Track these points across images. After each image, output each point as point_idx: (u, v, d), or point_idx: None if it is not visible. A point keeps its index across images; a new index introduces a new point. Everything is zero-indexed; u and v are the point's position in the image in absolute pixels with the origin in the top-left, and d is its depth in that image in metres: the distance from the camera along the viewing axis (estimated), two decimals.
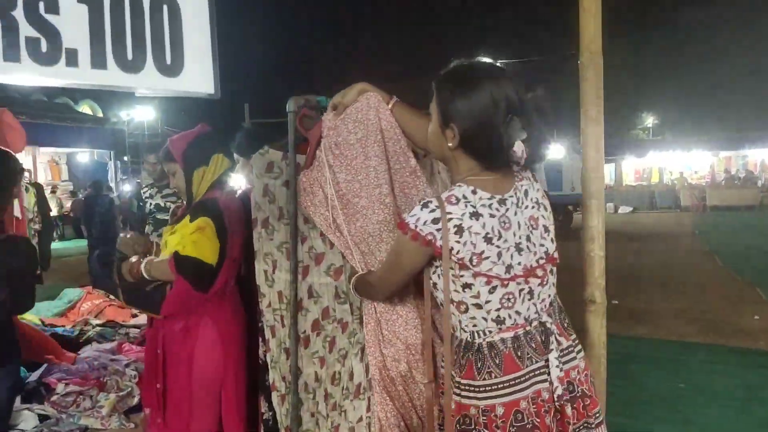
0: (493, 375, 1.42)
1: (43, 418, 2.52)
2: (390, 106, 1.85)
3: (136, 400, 2.68)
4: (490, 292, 1.41)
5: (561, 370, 1.44)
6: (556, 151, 27.76)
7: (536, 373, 1.43)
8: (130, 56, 2.10)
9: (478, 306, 1.42)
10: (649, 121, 43.21)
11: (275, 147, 2.13)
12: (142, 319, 2.86)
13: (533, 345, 1.44)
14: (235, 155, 2.59)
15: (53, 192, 16.93)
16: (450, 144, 1.46)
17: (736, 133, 30.05)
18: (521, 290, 1.44)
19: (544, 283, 1.48)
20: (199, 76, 2.26)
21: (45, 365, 2.82)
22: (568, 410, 1.44)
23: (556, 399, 1.43)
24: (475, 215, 1.39)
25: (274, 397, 2.07)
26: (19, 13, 1.81)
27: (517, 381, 1.42)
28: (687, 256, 10.29)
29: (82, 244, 9.91)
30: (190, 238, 2.14)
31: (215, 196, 2.26)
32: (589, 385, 1.51)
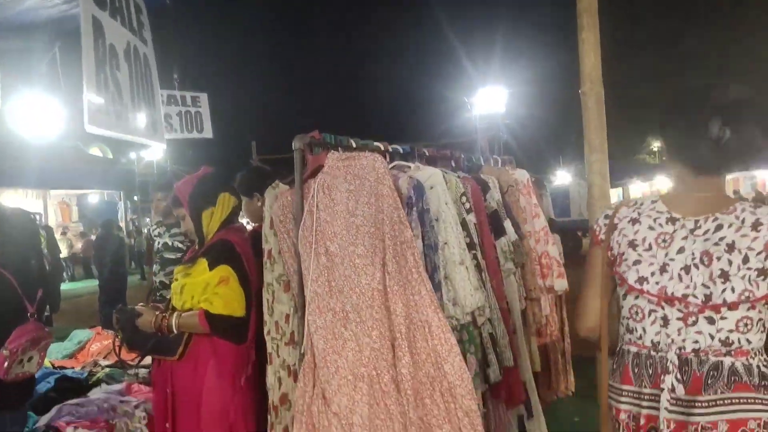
0: (615, 379, 1.51)
1: None
2: None
3: None
4: (623, 297, 1.50)
5: (671, 413, 1.38)
6: (562, 177, 27.79)
7: (643, 397, 1.44)
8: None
9: (619, 310, 1.52)
10: (655, 145, 43.22)
11: (285, 182, 2.18)
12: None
13: (650, 371, 1.43)
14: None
15: (64, 234, 17.05)
16: (665, 158, 1.62)
17: None
18: (651, 311, 1.44)
19: (689, 323, 1.39)
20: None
21: (54, 408, 2.80)
22: None
23: None
24: (634, 221, 1.47)
25: (269, 419, 2.12)
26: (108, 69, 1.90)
27: (625, 393, 1.47)
28: None
29: (92, 284, 9.94)
30: (216, 292, 2.15)
31: (228, 238, 2.27)
32: None
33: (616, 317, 1.55)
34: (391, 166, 2.26)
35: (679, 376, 1.40)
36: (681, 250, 1.40)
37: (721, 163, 1.43)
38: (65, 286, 14.14)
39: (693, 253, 1.39)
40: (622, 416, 1.47)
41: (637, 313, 1.46)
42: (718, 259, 1.37)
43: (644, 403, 1.44)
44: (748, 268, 1.36)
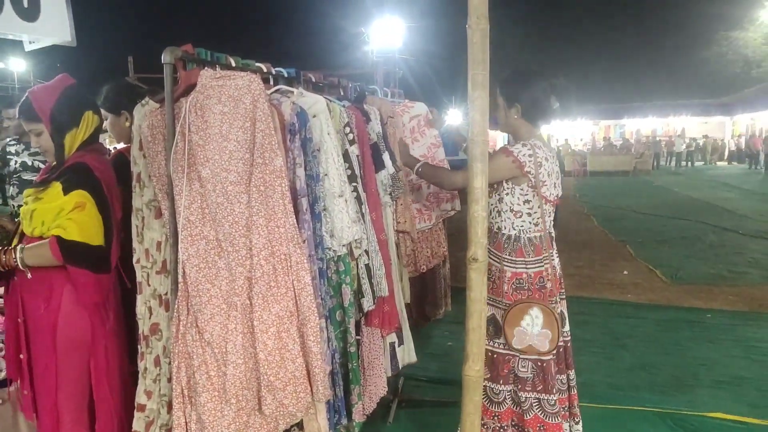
0: (531, 255, 2.41)
1: None
2: (418, 167, 2.80)
3: (2, 374, 2.46)
4: (539, 206, 2.38)
5: (556, 258, 2.51)
6: (454, 116, 28.41)
7: (547, 257, 2.41)
8: None
9: (529, 214, 2.40)
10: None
11: (156, 100, 2.02)
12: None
13: (545, 242, 2.42)
14: (103, 112, 2.41)
15: None
16: (516, 116, 2.44)
17: (616, 104, 32.33)
18: (548, 210, 2.41)
19: (553, 211, 2.46)
20: (56, 22, 2.09)
21: None
22: (558, 282, 2.49)
23: (557, 274, 2.47)
24: (546, 159, 2.38)
25: (140, 349, 2.08)
26: None
27: (541, 260, 2.42)
28: (568, 218, 11.00)
29: None
30: (71, 218, 1.97)
31: (84, 161, 2.09)
32: (561, 272, 2.53)
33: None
34: (273, 90, 2.16)
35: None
36: (552, 172, 2.41)
37: (550, 120, 2.51)
38: None
39: (554, 173, 2.42)
40: (545, 273, 2.41)
41: (543, 213, 2.39)
42: (558, 173, 2.49)
43: (548, 260, 2.42)
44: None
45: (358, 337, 2.43)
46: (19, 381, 2.22)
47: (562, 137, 29.42)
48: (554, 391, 2.41)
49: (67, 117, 2.08)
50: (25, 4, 1.95)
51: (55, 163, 2.16)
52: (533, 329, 2.33)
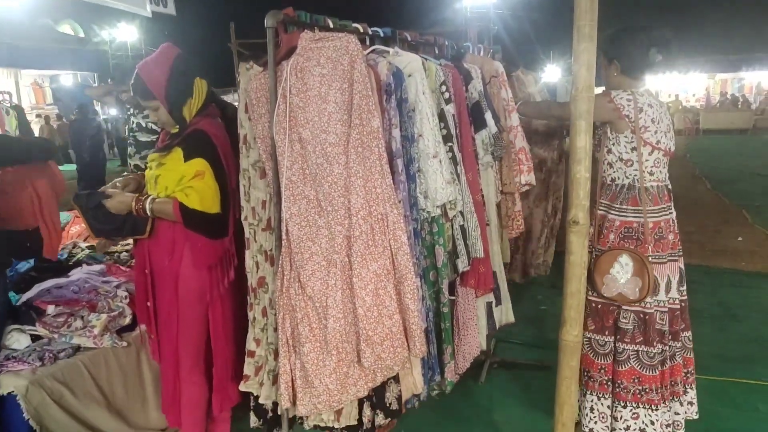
0: (649, 204, 2.37)
1: (35, 338, 2.56)
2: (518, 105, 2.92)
3: (127, 320, 2.71)
4: (649, 154, 2.35)
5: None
6: (551, 72, 27.13)
7: (664, 209, 2.40)
8: None
9: (640, 162, 2.34)
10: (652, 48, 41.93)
11: (259, 63, 2.08)
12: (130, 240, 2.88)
13: (663, 193, 2.40)
14: None
15: (39, 116, 16.59)
16: (615, 74, 2.41)
17: (734, 55, 29.35)
18: (661, 160, 2.38)
19: (667, 164, 2.43)
20: None
21: (35, 287, 2.85)
22: (677, 236, 2.48)
23: (675, 229, 2.45)
24: (649, 105, 2.34)
25: (248, 300, 2.22)
26: None
27: (658, 210, 2.39)
28: (677, 180, 10.23)
29: (71, 168, 9.80)
30: (191, 186, 2.09)
31: (203, 128, 2.18)
32: (677, 229, 2.49)
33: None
34: (369, 50, 2.16)
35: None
36: (662, 122, 2.37)
37: (650, 73, 2.42)
38: None
39: (665, 123, 2.38)
40: (662, 224, 2.39)
41: (656, 163, 2.37)
42: (669, 126, 2.41)
43: (664, 212, 2.40)
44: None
45: (452, 297, 2.45)
46: (145, 326, 2.44)
47: (672, 93, 27.30)
48: (654, 344, 2.37)
49: (182, 90, 2.14)
50: None
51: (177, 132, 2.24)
52: (623, 276, 2.31)
